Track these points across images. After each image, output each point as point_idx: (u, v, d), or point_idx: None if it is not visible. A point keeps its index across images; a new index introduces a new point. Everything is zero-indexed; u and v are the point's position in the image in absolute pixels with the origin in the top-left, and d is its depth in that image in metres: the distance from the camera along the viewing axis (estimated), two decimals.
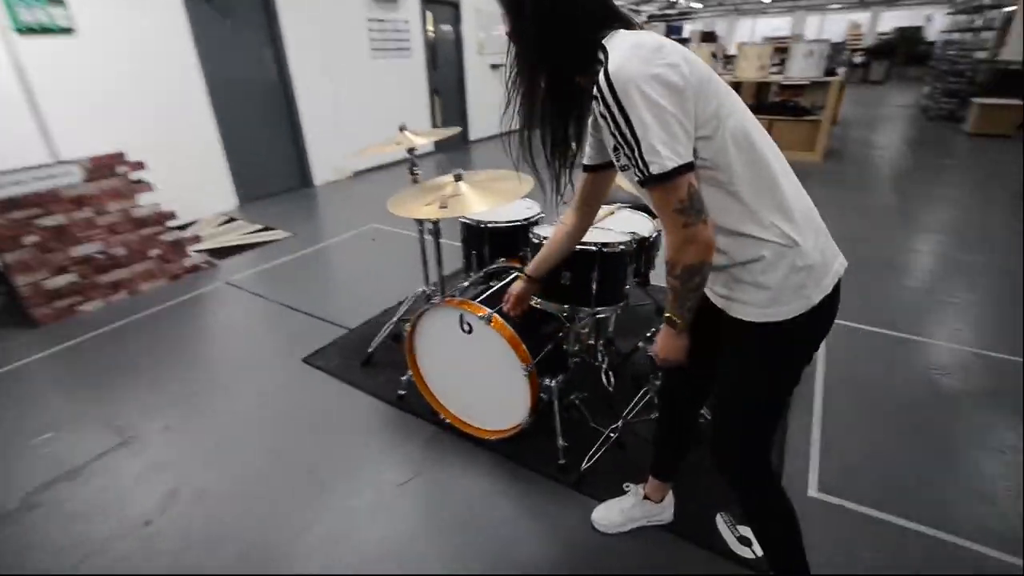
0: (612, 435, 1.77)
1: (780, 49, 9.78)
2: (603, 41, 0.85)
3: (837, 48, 9.18)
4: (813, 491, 1.63)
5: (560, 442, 1.71)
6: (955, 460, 1.74)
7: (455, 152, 7.02)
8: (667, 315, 0.98)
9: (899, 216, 4.19)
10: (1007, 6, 7.64)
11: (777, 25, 21.77)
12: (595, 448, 1.71)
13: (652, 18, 18.32)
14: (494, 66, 7.57)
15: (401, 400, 2.07)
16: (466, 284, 2.00)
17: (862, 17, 20.41)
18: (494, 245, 2.09)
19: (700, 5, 18.85)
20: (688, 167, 0.81)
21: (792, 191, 0.91)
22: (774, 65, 6.37)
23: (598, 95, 0.81)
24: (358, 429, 1.96)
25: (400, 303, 2.52)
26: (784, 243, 0.89)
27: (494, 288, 1.79)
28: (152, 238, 3.19)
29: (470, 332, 1.68)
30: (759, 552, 1.40)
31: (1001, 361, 2.26)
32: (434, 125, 6.78)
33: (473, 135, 7.52)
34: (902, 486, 1.64)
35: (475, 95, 7.37)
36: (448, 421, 1.89)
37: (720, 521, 1.52)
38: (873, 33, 19.20)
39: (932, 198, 4.65)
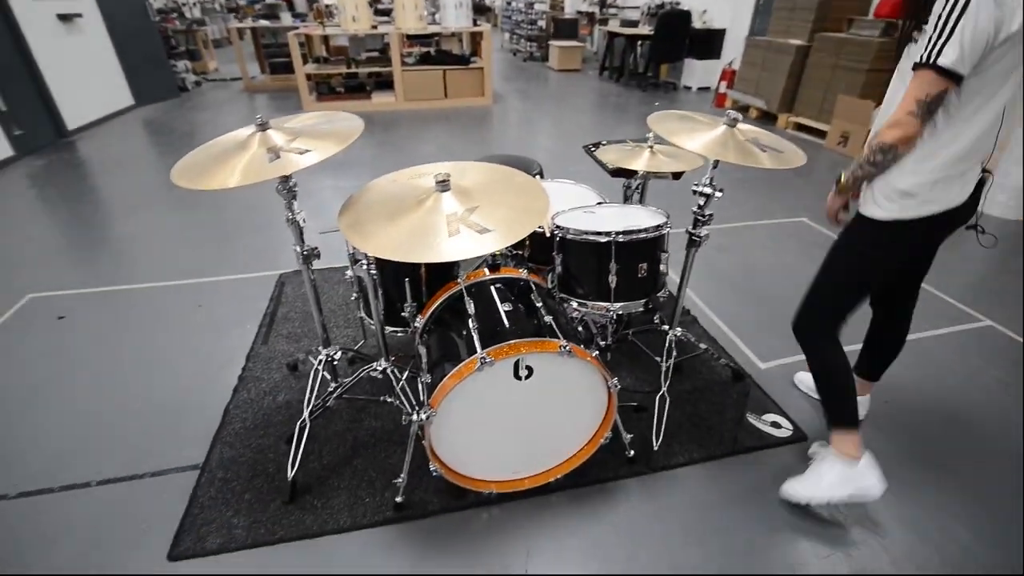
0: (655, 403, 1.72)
1: None
2: None
3: None
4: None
5: (626, 437, 1.59)
6: None
7: (48, 154, 4.58)
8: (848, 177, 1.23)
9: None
10: None
11: None
12: (655, 423, 1.67)
13: None
14: (64, 16, 5.08)
15: (400, 509, 1.47)
16: (419, 328, 1.51)
17: None
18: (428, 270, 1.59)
19: None
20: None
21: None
22: (429, 14, 6.57)
23: None
24: None
25: (243, 382, 1.68)
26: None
27: (507, 310, 1.42)
28: None
29: (529, 376, 1.32)
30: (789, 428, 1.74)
31: None
32: None
33: (73, 122, 5.05)
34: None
35: (55, 63, 4.85)
36: (496, 492, 1.48)
37: (751, 419, 1.78)
38: None
39: (582, 110, 6.02)
